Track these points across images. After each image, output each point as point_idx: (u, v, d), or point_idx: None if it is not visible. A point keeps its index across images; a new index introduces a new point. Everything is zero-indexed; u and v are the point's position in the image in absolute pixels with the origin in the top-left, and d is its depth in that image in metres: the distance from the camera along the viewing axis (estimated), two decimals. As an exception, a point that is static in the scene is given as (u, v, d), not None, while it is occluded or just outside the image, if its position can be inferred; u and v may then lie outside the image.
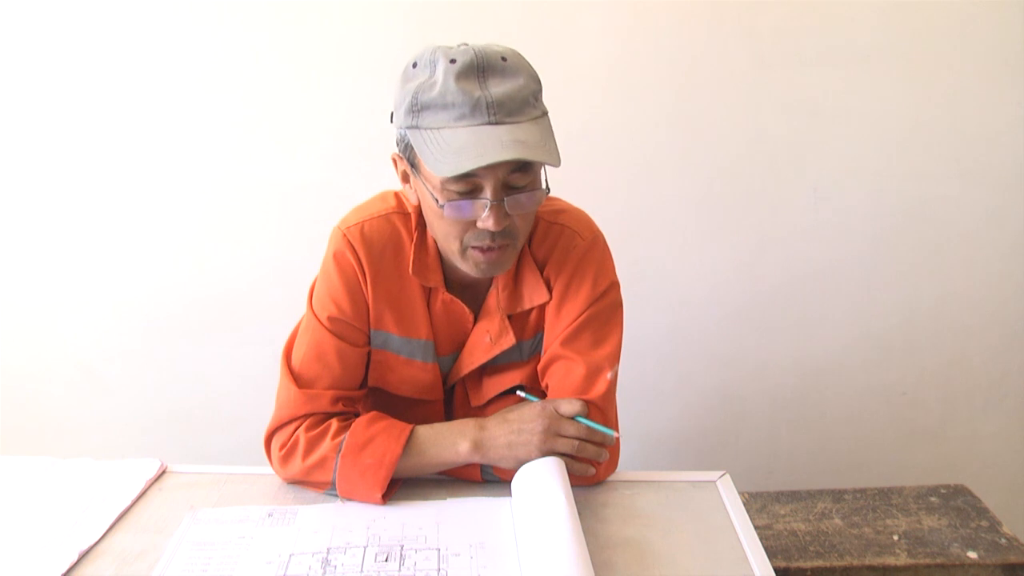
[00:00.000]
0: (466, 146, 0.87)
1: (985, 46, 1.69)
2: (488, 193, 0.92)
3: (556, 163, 0.90)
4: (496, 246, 0.97)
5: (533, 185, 0.95)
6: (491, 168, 0.89)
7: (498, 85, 0.90)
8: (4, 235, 1.82)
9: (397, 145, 0.98)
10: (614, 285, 1.10)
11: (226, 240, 1.82)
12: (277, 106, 1.72)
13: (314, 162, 1.76)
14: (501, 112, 0.88)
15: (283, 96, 1.72)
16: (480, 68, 0.90)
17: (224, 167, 1.76)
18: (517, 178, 0.92)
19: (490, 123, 0.88)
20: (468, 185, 0.92)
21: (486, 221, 0.93)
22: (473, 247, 0.98)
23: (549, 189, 0.98)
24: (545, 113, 0.95)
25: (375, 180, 1.25)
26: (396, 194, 1.11)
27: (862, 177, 1.78)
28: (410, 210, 1.07)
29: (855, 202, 1.80)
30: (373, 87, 1.68)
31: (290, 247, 1.80)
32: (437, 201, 0.93)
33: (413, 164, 0.96)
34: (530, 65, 0.94)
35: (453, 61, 0.89)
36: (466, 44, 0.93)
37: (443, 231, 0.98)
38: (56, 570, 0.89)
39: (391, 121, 0.98)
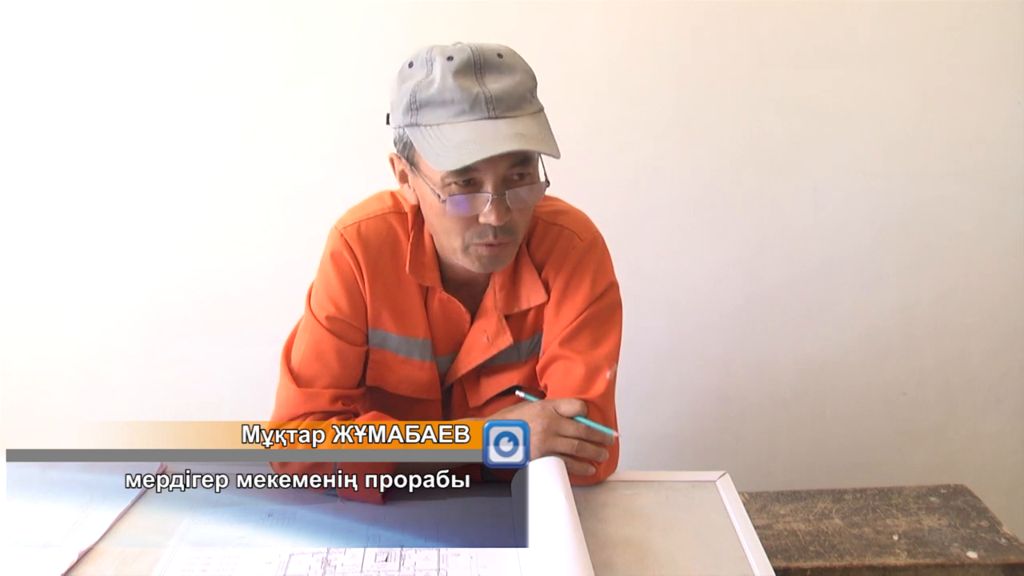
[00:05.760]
0: (467, 140, 0.88)
1: (985, 46, 1.69)
2: (489, 187, 0.92)
3: (556, 154, 0.91)
4: (497, 243, 0.97)
5: (533, 179, 0.96)
6: (491, 163, 0.90)
7: (495, 81, 0.91)
8: (4, 235, 1.82)
9: (395, 145, 0.98)
10: (613, 285, 1.11)
11: (226, 240, 1.82)
12: (277, 106, 1.72)
13: (314, 162, 1.75)
14: (500, 107, 0.90)
15: (283, 96, 1.71)
16: (477, 65, 0.91)
17: (224, 167, 1.76)
18: (517, 171, 0.94)
19: (489, 118, 0.89)
20: (469, 180, 0.92)
21: (488, 216, 0.93)
22: (476, 244, 0.98)
23: (549, 182, 0.98)
24: (542, 109, 0.96)
25: (375, 180, 1.25)
26: (393, 194, 1.11)
27: (862, 177, 1.78)
28: (407, 209, 1.08)
29: (855, 202, 1.79)
30: (373, 87, 1.67)
31: (290, 247, 1.79)
32: (439, 197, 0.94)
33: (412, 162, 0.96)
34: (525, 61, 0.95)
35: (450, 59, 0.90)
36: (460, 42, 0.94)
37: (444, 229, 0.98)
38: (56, 570, 0.89)
39: (387, 122, 0.99)
